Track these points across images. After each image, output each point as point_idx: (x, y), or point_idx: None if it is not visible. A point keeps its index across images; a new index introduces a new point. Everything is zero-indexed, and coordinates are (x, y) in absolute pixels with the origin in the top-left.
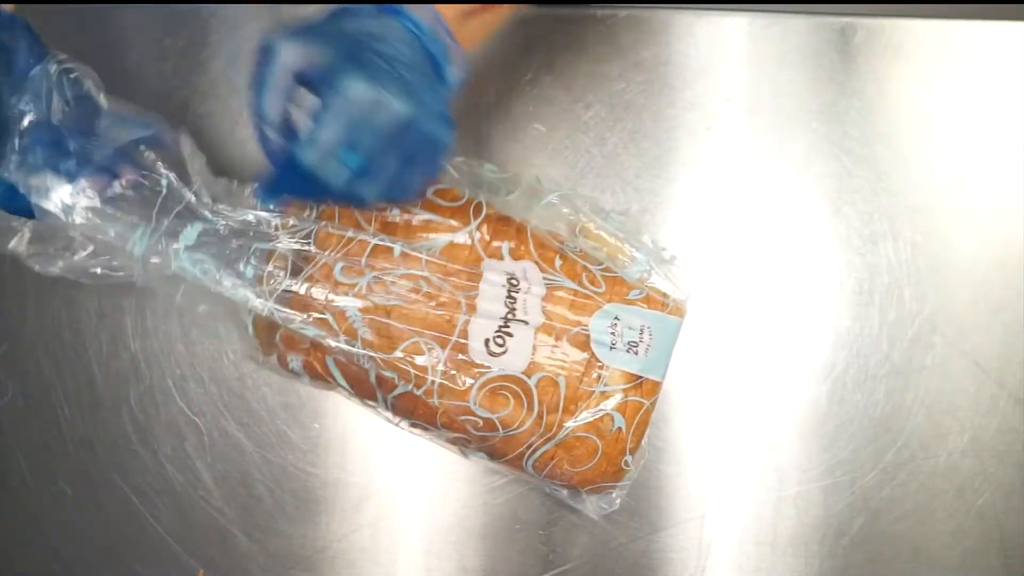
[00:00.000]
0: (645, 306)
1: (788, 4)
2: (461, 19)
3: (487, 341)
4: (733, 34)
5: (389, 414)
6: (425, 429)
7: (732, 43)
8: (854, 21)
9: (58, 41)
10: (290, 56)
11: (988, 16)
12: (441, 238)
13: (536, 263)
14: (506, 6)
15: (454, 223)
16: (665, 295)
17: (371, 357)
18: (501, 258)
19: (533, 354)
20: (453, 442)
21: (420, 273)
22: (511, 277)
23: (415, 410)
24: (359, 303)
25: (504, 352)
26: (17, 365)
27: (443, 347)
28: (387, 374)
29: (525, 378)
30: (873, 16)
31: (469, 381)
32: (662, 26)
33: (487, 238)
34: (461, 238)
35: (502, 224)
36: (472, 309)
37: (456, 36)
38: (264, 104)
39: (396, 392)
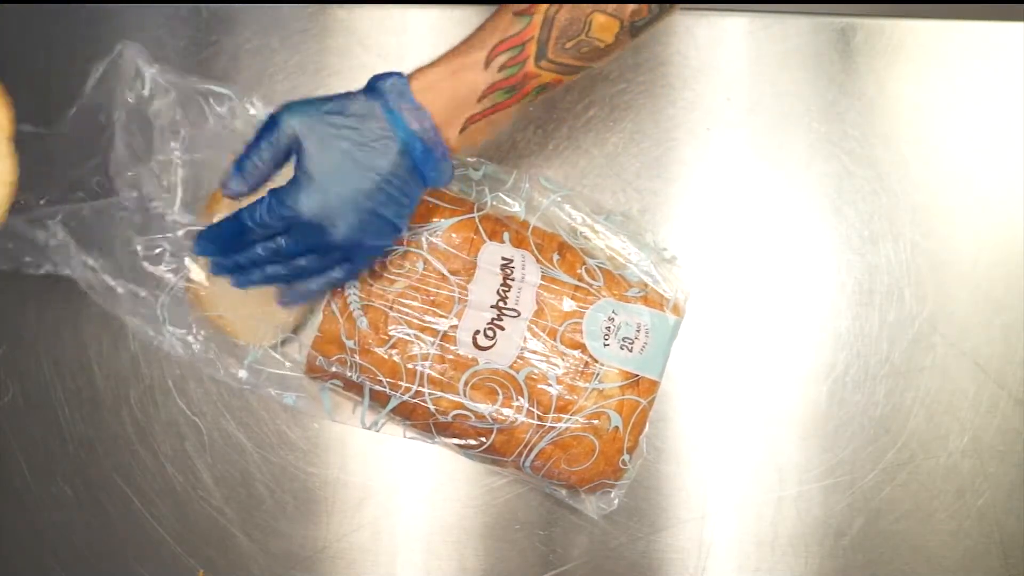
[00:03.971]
0: (643, 304)
1: (788, 4)
2: (460, 126)
3: (476, 334)
4: (733, 34)
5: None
6: (424, 433)
7: (732, 43)
8: (854, 21)
9: (56, 40)
10: (290, 130)
11: (988, 16)
12: (445, 222)
13: (535, 255)
14: (512, 109)
15: (458, 209)
16: (663, 295)
17: (362, 368)
18: (502, 241)
19: (522, 349)
20: (452, 443)
21: (420, 252)
22: (508, 262)
23: (413, 413)
24: (359, 287)
25: (492, 346)
26: (17, 365)
27: (433, 338)
28: (379, 388)
29: (513, 372)
30: (873, 16)
31: (456, 374)
32: (662, 26)
33: (490, 226)
34: (464, 221)
35: (504, 219)
36: (464, 299)
37: (452, 140)
38: (248, 161)
39: (390, 406)
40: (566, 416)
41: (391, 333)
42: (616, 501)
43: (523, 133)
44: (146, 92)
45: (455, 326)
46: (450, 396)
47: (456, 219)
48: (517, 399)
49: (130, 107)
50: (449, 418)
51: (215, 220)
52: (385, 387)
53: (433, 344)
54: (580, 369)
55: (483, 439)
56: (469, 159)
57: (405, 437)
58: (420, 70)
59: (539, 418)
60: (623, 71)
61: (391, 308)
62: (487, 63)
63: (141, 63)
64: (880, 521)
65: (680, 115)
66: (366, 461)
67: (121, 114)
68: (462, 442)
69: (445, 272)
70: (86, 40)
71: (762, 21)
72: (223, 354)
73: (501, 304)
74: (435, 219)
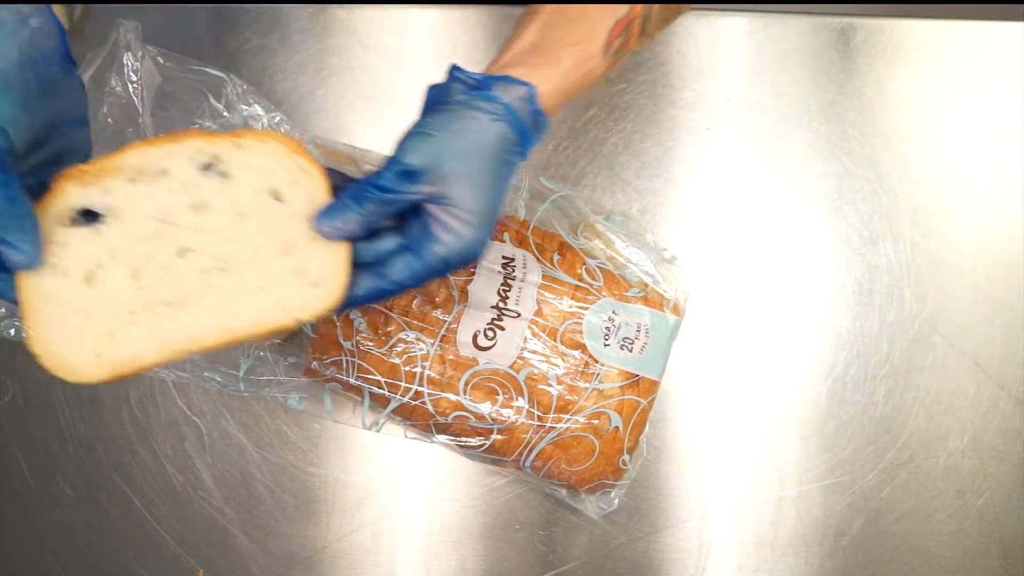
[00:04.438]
0: (643, 304)
1: (788, 4)
2: (561, 94)
3: (476, 335)
4: (733, 34)
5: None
6: (424, 433)
7: (732, 43)
8: (854, 21)
9: None
10: (412, 158)
11: (988, 16)
12: None
13: (535, 255)
14: (604, 72)
15: None
16: (663, 295)
17: (361, 370)
18: (503, 241)
19: (522, 349)
20: (452, 444)
21: None
22: (509, 261)
23: (413, 414)
24: None
25: (493, 346)
26: (17, 365)
27: (432, 339)
28: (378, 391)
29: (513, 373)
30: (873, 16)
31: (455, 374)
32: None
33: None
34: None
35: (504, 218)
36: (464, 297)
37: (551, 108)
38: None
39: (390, 408)
40: (566, 416)
41: (390, 334)
42: (616, 501)
43: None
44: (136, 75)
45: (455, 327)
46: (450, 397)
47: None
48: (517, 399)
49: (117, 96)
50: (449, 419)
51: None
52: (384, 389)
53: (433, 345)
54: (580, 369)
55: (483, 439)
56: None
57: (406, 437)
58: (546, 75)
59: (539, 418)
60: (623, 71)
61: (390, 309)
62: (605, 50)
63: (134, 41)
64: (880, 521)
65: (680, 115)
66: (366, 461)
67: (109, 107)
68: (462, 442)
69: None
70: (85, 40)
71: (762, 21)
72: (217, 367)
73: (501, 304)
74: None
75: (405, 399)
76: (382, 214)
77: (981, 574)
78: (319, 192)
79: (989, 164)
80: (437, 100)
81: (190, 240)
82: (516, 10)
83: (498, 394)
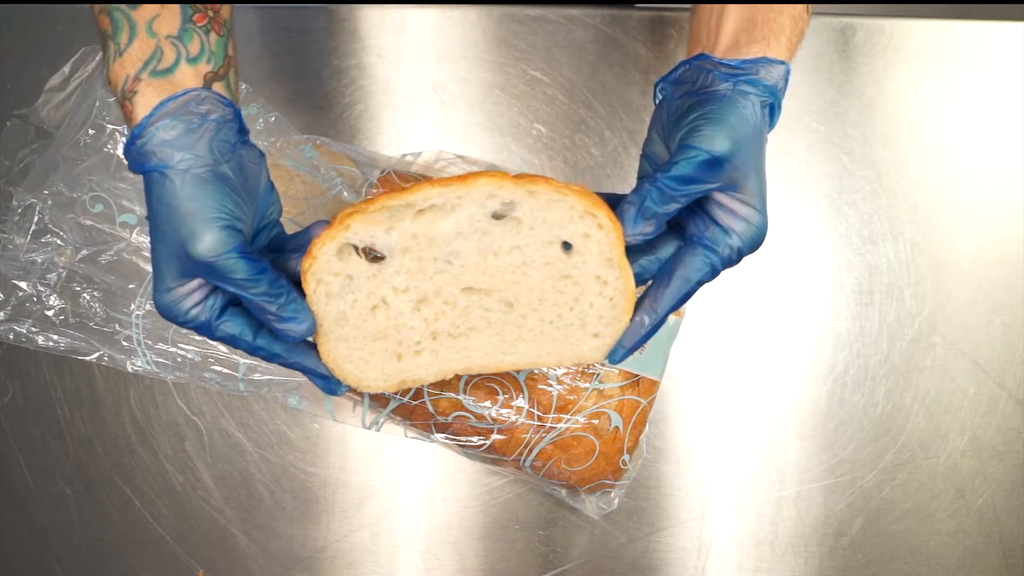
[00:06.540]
0: None
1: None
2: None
3: None
4: None
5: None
6: (424, 433)
7: None
8: (854, 21)
9: (55, 42)
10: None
11: (988, 16)
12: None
13: None
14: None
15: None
16: None
17: None
18: None
19: None
20: (452, 444)
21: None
22: None
23: (413, 413)
24: None
25: None
26: (17, 365)
27: None
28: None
29: (513, 372)
30: (873, 16)
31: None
32: (662, 26)
33: None
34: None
35: None
36: None
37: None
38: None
39: (390, 407)
40: (566, 416)
41: None
42: (616, 501)
43: (523, 133)
44: None
45: None
46: (450, 396)
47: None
48: (517, 399)
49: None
50: (449, 419)
51: None
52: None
53: None
54: (580, 369)
55: (483, 439)
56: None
57: (406, 436)
58: (779, 47)
59: (539, 418)
60: (623, 71)
61: None
62: (808, 5)
63: None
64: (880, 521)
65: None
66: (366, 461)
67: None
68: (462, 442)
69: None
70: (81, 37)
71: None
72: (217, 367)
73: None
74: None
75: (405, 399)
76: (674, 212)
77: (981, 574)
78: (611, 246)
79: (989, 164)
80: (692, 89)
81: (475, 281)
82: (516, 10)
83: (498, 394)
